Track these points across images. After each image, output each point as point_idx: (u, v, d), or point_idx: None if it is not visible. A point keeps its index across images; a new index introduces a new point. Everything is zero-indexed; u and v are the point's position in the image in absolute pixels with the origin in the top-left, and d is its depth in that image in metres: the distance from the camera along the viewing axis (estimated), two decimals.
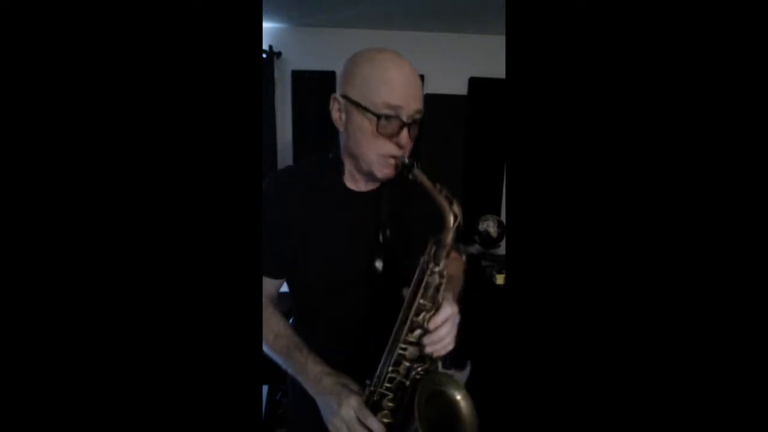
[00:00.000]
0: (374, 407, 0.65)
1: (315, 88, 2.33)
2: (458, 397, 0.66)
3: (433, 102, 2.46)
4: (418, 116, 0.68)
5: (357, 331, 0.70)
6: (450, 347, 0.65)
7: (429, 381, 0.65)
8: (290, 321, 0.93)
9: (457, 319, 0.65)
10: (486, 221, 2.38)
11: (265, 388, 1.83)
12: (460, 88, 2.50)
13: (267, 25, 2.30)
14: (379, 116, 0.64)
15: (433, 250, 0.64)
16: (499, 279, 2.12)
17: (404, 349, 0.66)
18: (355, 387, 0.66)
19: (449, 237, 0.61)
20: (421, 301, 0.64)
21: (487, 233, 2.37)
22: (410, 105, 0.65)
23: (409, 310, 0.65)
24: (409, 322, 0.65)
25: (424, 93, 2.43)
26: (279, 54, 2.33)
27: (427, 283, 0.64)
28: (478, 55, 2.44)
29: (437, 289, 0.64)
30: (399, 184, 0.75)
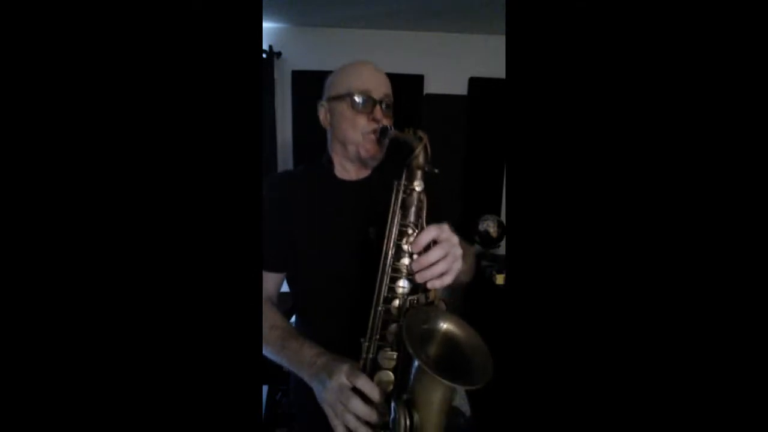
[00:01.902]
0: (372, 366, 0.60)
1: (315, 88, 2.32)
2: (450, 327, 0.57)
3: (433, 102, 2.46)
4: (388, 100, 0.80)
5: (358, 312, 0.68)
6: (447, 279, 0.59)
7: (413, 318, 0.56)
8: (292, 319, 0.94)
9: (454, 248, 0.60)
10: (486, 221, 2.38)
11: (265, 388, 1.83)
12: (460, 88, 2.50)
13: (267, 25, 2.30)
14: (352, 95, 0.78)
15: (405, 172, 0.65)
16: (499, 279, 2.12)
17: (393, 281, 0.62)
18: (349, 360, 0.63)
19: (419, 156, 0.64)
20: (402, 223, 0.63)
21: (487, 233, 2.37)
22: (379, 89, 0.79)
23: (390, 234, 0.63)
24: (393, 246, 0.62)
25: (425, 93, 2.45)
26: (279, 54, 2.33)
27: (404, 202, 0.64)
28: (478, 55, 2.44)
29: (418, 212, 0.63)
30: (388, 171, 0.80)
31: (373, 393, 0.57)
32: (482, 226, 2.37)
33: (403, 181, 0.65)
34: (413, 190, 0.64)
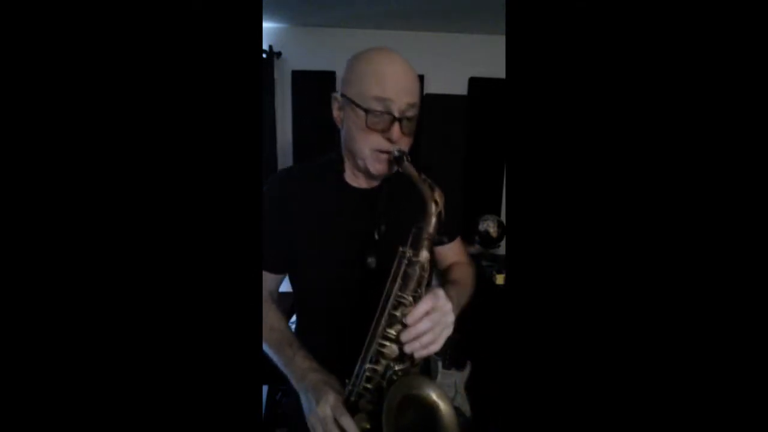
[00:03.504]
0: (352, 408, 0.62)
1: (315, 88, 2.33)
2: (435, 399, 0.60)
3: (433, 102, 2.46)
4: (411, 112, 0.69)
5: (353, 328, 0.69)
6: (433, 348, 0.60)
7: (400, 385, 0.60)
8: (292, 319, 0.93)
9: (445, 316, 0.60)
10: (486, 221, 2.38)
11: (265, 388, 1.83)
12: (460, 88, 2.50)
13: (267, 25, 2.30)
14: (367, 111, 0.66)
15: (412, 239, 0.62)
16: (499, 279, 2.12)
17: (383, 346, 0.62)
18: (338, 386, 0.65)
19: (431, 224, 0.61)
20: (400, 294, 0.61)
21: (487, 233, 2.37)
22: (401, 98, 0.66)
23: (386, 302, 0.62)
24: (386, 315, 0.62)
25: (425, 93, 2.45)
26: (279, 54, 2.33)
27: (405, 274, 0.61)
28: (478, 55, 2.44)
29: (419, 282, 0.61)
30: (399, 183, 0.75)
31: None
32: (482, 226, 2.37)
33: (408, 250, 0.62)
34: (417, 261, 0.61)
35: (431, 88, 2.46)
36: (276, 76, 2.34)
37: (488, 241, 2.38)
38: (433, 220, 0.61)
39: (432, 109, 2.46)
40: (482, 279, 2.28)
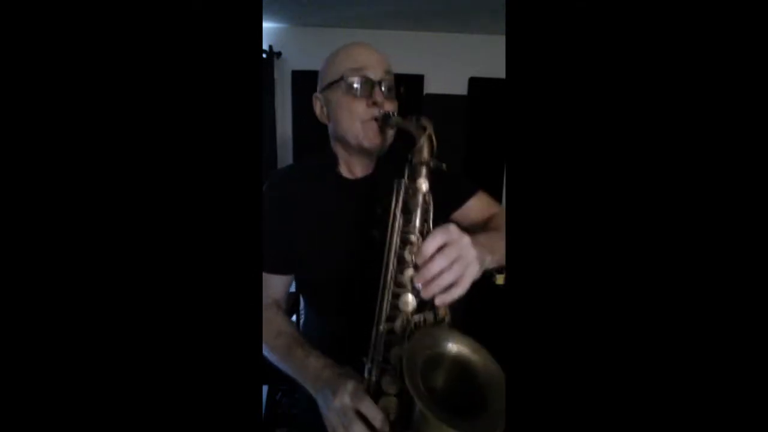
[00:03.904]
0: (376, 390, 0.54)
1: (315, 88, 2.33)
2: (462, 352, 0.50)
3: (433, 102, 2.46)
4: (389, 81, 0.71)
5: (365, 315, 0.65)
6: (457, 291, 0.51)
7: (417, 345, 0.49)
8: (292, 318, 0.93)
9: (464, 250, 0.51)
10: None
11: (265, 388, 1.83)
12: (460, 88, 2.50)
13: (267, 25, 2.30)
14: (346, 78, 0.69)
15: (408, 169, 0.58)
16: (499, 279, 2.12)
17: (397, 297, 0.54)
18: (356, 376, 0.59)
19: (423, 150, 0.58)
20: (405, 229, 0.55)
21: None
22: (377, 68, 0.69)
23: (391, 242, 0.56)
24: (394, 257, 0.55)
25: (425, 93, 2.45)
26: (279, 54, 2.34)
27: (406, 205, 0.56)
28: (478, 55, 2.44)
29: (424, 215, 0.56)
30: (393, 169, 0.75)
31: (377, 419, 0.52)
32: None
33: (404, 180, 0.58)
34: (417, 189, 0.56)
35: (431, 88, 2.46)
36: (276, 76, 2.34)
37: None
38: (425, 144, 0.58)
39: (432, 109, 2.47)
40: (482, 279, 2.27)
